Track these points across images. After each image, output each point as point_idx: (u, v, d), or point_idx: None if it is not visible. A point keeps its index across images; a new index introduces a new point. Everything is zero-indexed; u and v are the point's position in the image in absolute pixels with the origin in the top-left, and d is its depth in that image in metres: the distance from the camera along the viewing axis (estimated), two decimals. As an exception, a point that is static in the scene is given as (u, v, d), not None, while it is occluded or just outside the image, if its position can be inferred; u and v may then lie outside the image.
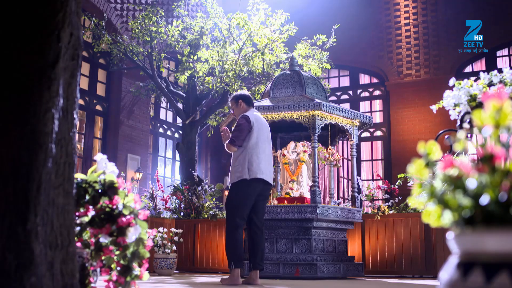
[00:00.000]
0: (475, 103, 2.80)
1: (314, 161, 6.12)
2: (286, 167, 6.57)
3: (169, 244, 6.73)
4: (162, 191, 8.09)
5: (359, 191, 7.18)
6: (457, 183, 0.98)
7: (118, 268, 1.85)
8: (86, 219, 1.88)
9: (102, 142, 11.39)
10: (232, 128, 4.94)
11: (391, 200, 7.38)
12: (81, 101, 10.77)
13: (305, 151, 6.48)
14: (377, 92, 11.88)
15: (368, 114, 7.73)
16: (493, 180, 0.93)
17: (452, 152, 2.72)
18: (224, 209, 4.78)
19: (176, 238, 6.88)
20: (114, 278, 1.85)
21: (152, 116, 12.56)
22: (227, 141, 4.69)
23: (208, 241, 7.34)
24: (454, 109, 2.87)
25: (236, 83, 8.87)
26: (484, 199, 0.93)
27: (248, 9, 9.34)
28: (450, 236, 1.00)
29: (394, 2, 11.74)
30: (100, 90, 11.51)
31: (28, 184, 1.47)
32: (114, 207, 1.87)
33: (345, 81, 12.33)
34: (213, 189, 7.95)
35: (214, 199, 7.91)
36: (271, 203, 6.34)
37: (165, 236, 6.75)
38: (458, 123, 2.87)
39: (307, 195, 6.31)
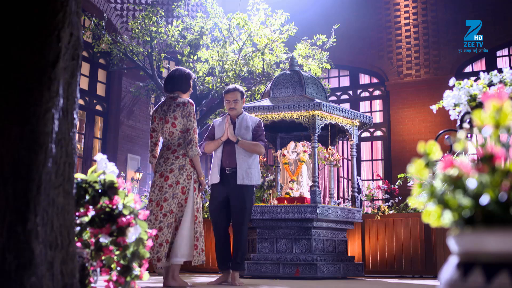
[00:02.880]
0: (475, 103, 2.80)
1: (314, 161, 6.12)
2: (286, 167, 6.57)
3: (169, 244, 6.72)
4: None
5: (359, 191, 7.18)
6: (457, 183, 0.98)
7: (118, 268, 1.85)
8: (86, 219, 1.88)
9: (102, 142, 11.38)
10: (251, 128, 4.82)
11: (391, 200, 7.39)
12: (81, 101, 10.77)
13: (305, 151, 6.47)
14: (377, 92, 11.88)
15: (368, 114, 7.73)
16: (493, 180, 0.93)
17: (452, 152, 2.71)
18: (241, 210, 4.68)
19: (176, 238, 6.88)
20: (114, 278, 1.85)
21: (152, 116, 12.53)
22: (259, 143, 4.66)
23: (208, 241, 7.33)
24: (454, 109, 2.87)
25: (236, 83, 8.86)
26: (484, 199, 0.93)
27: (248, 9, 9.34)
28: (450, 236, 1.00)
29: (394, 2, 11.74)
30: (100, 90, 11.50)
31: (28, 184, 1.47)
32: (114, 207, 1.87)
33: (345, 81, 12.32)
34: (213, 189, 7.93)
35: (214, 199, 7.90)
36: (271, 203, 6.34)
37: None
38: (458, 123, 2.87)
39: (307, 195, 6.30)
